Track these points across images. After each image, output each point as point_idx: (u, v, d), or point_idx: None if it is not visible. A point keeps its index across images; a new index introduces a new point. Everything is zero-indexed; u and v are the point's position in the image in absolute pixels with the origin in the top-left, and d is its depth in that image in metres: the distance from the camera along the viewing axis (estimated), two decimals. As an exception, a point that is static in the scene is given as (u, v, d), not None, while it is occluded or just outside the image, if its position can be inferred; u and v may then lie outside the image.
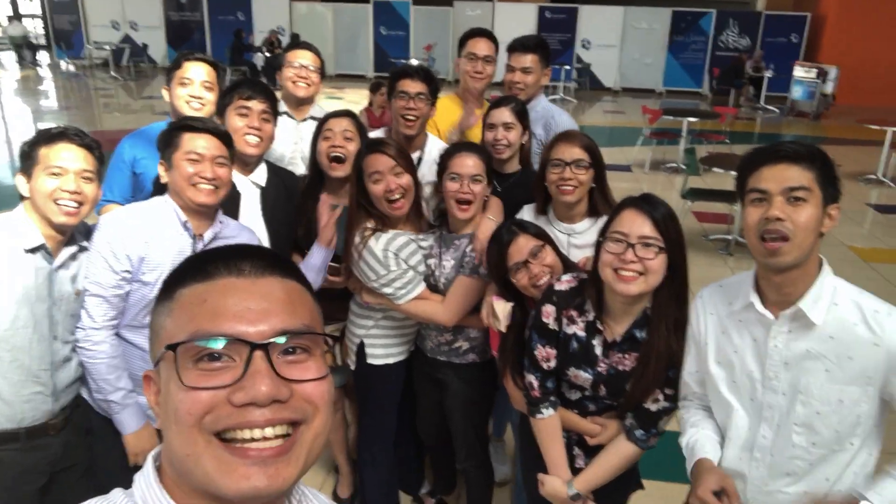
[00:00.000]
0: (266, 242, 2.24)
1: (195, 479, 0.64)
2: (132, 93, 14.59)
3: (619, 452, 1.74)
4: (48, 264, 1.75)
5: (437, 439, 2.53)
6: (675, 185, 7.53)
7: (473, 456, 2.43)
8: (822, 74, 13.11)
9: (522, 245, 1.87)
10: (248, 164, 2.25)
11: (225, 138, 1.86)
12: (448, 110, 2.89)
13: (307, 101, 2.85)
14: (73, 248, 1.80)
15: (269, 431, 0.64)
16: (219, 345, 0.65)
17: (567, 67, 15.47)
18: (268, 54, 15.07)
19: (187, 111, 2.38)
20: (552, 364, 1.76)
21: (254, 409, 0.64)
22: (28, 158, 1.71)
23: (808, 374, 1.39)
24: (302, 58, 2.79)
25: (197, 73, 2.41)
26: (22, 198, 1.74)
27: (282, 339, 0.67)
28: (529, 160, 2.54)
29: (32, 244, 1.70)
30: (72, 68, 17.88)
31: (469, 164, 2.10)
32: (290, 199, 2.36)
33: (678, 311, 1.62)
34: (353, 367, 2.41)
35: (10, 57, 19.55)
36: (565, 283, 1.75)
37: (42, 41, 20.00)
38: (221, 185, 1.83)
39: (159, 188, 1.97)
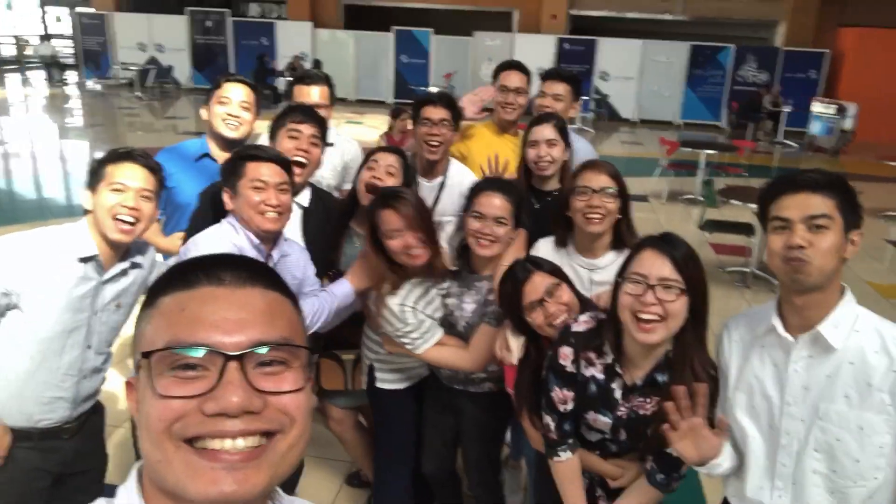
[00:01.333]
0: None
1: (167, 484, 0.64)
2: (156, 113, 14.86)
3: (640, 496, 1.70)
4: (97, 276, 1.82)
5: (442, 475, 2.47)
6: (693, 217, 7.51)
7: (484, 483, 2.41)
8: (842, 110, 13.09)
9: (538, 283, 1.81)
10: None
11: (285, 165, 1.94)
12: (484, 139, 2.95)
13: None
14: (125, 264, 1.88)
15: (240, 443, 0.63)
16: (194, 354, 0.64)
17: (585, 98, 15.57)
18: (290, 79, 15.29)
19: (224, 130, 2.46)
20: (569, 406, 1.71)
21: (225, 420, 0.63)
22: (95, 174, 1.81)
23: (828, 400, 1.39)
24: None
25: (236, 94, 2.49)
26: (86, 212, 1.84)
27: (260, 350, 0.66)
28: (570, 179, 2.56)
29: (86, 254, 1.79)
30: (98, 87, 18.26)
31: (495, 204, 2.04)
32: (329, 222, 2.39)
33: (701, 354, 1.56)
34: (365, 388, 2.41)
35: (39, 75, 20.04)
36: (583, 323, 1.69)
37: (71, 61, 20.46)
38: (285, 211, 1.92)
39: (212, 212, 2.05)
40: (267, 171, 1.88)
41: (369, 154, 2.37)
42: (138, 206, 1.79)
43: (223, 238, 1.90)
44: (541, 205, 2.45)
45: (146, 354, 0.65)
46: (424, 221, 2.02)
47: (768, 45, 17.19)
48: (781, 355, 1.46)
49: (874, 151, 11.12)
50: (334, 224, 2.39)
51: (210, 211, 2.13)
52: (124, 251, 1.89)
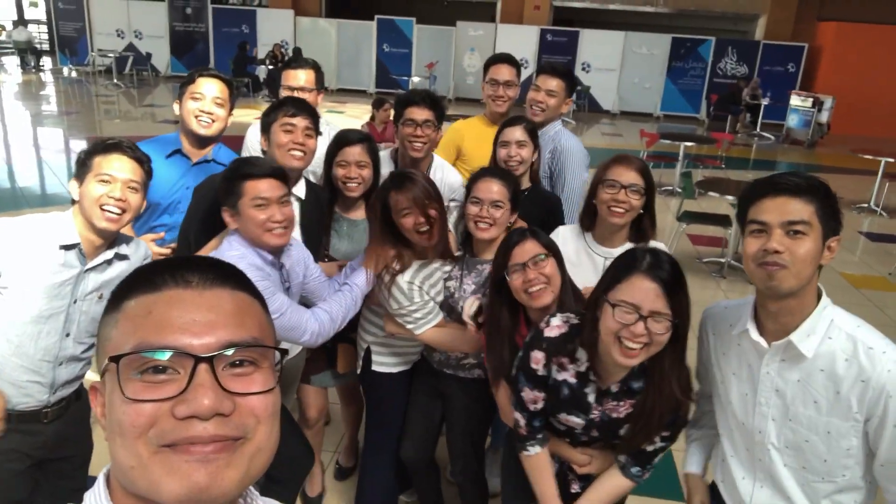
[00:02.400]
0: None
1: (139, 489, 0.64)
2: (134, 100, 14.67)
3: (614, 484, 1.75)
4: (80, 265, 1.83)
5: (421, 462, 2.49)
6: (671, 208, 7.59)
7: (469, 469, 2.44)
8: (818, 104, 13.27)
9: (529, 249, 1.86)
10: (290, 178, 2.26)
11: (283, 177, 1.93)
12: (476, 130, 2.98)
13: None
14: (109, 254, 1.88)
15: (210, 447, 0.64)
16: (163, 357, 0.64)
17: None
18: (271, 67, 15.20)
19: (195, 126, 2.43)
20: (539, 406, 1.73)
21: (196, 423, 0.63)
22: (83, 165, 1.81)
23: (798, 404, 1.41)
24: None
25: (209, 89, 2.43)
26: (73, 202, 1.85)
27: (229, 352, 0.66)
28: (538, 178, 2.62)
29: (67, 242, 1.80)
30: (74, 74, 17.97)
31: (492, 189, 2.12)
32: (321, 212, 2.43)
33: (680, 370, 1.54)
34: (358, 372, 2.45)
35: (13, 62, 19.66)
36: (556, 328, 1.67)
37: (46, 47, 20.10)
38: (290, 224, 1.93)
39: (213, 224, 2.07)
40: (266, 187, 1.87)
41: (335, 149, 2.36)
42: (125, 197, 1.80)
43: (240, 263, 1.87)
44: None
45: (114, 359, 0.64)
46: (434, 201, 2.12)
47: (748, 38, 17.36)
48: (755, 357, 1.48)
49: (849, 144, 11.29)
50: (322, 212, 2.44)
51: (206, 213, 2.14)
52: (111, 242, 1.89)
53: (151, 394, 0.63)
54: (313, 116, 2.29)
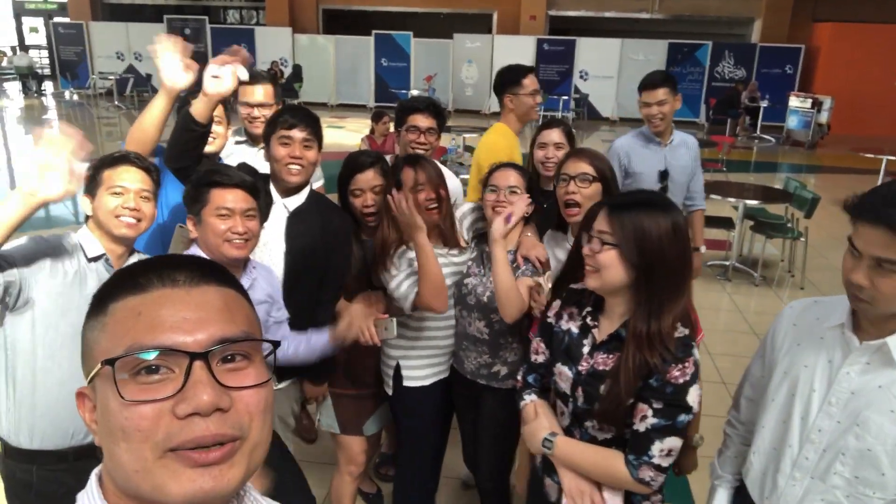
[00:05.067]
0: (280, 265, 2.19)
1: (143, 492, 0.64)
2: (134, 121, 14.75)
3: (607, 455, 1.59)
4: (108, 274, 1.80)
5: (497, 490, 2.45)
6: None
7: (494, 479, 2.41)
8: (817, 104, 13.29)
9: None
10: (288, 189, 2.23)
11: (253, 190, 1.89)
12: (496, 145, 3.03)
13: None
14: (134, 259, 1.90)
15: (213, 455, 0.64)
16: (156, 357, 0.64)
17: (565, 98, 15.69)
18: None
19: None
20: (539, 359, 1.77)
21: (198, 420, 0.63)
22: (92, 180, 1.82)
23: (872, 410, 1.35)
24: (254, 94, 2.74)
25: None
26: (87, 218, 1.86)
27: (221, 349, 0.66)
28: None
29: (94, 253, 1.82)
30: (76, 97, 18.10)
31: (509, 177, 2.19)
32: (323, 229, 2.27)
33: (651, 323, 1.51)
34: (389, 393, 2.38)
35: (15, 87, 19.82)
36: (580, 284, 1.72)
37: (48, 72, 20.27)
38: (252, 237, 1.88)
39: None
40: (232, 198, 1.84)
41: (348, 176, 2.33)
42: (139, 206, 1.82)
43: None
44: (548, 204, 2.48)
45: (108, 362, 0.64)
46: (442, 183, 2.24)
47: (744, 42, 17.41)
48: (839, 354, 1.42)
49: (849, 144, 11.29)
50: (336, 230, 2.31)
51: None
52: (131, 251, 1.91)
53: (149, 395, 0.63)
54: (313, 125, 2.23)
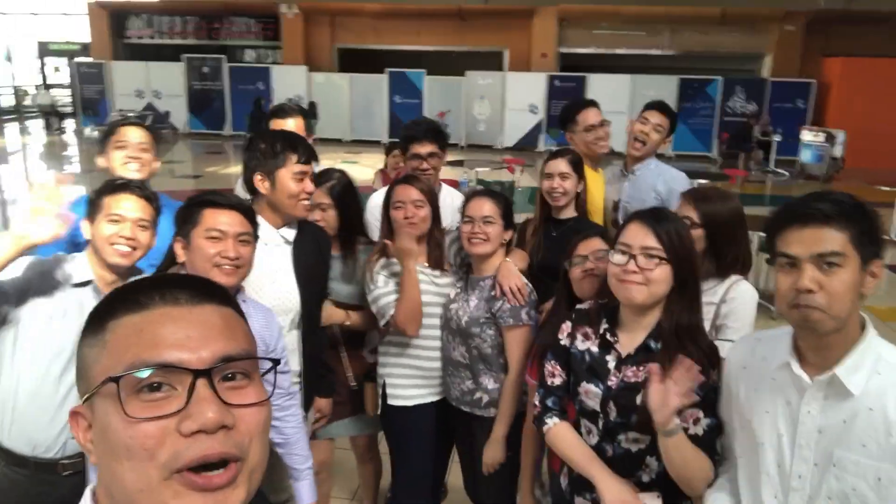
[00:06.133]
0: (297, 299, 2.18)
1: None
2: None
3: (699, 455, 1.53)
4: (97, 300, 1.82)
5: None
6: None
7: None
8: (831, 138, 13.27)
9: (591, 244, 2.00)
10: (286, 220, 2.19)
11: (248, 214, 1.79)
12: (589, 177, 3.02)
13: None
14: None
15: (217, 479, 0.64)
16: (160, 374, 0.64)
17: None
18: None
19: (125, 173, 2.38)
20: (556, 381, 1.77)
21: (204, 438, 0.63)
22: (93, 205, 1.85)
23: (843, 448, 1.26)
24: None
25: (133, 136, 2.46)
26: (87, 242, 1.89)
27: (223, 367, 0.67)
28: (585, 208, 2.72)
29: (81, 279, 1.83)
30: (96, 134, 18.45)
31: (482, 207, 2.22)
32: (321, 254, 2.32)
33: (690, 318, 1.60)
34: (379, 412, 2.44)
35: (38, 125, 20.26)
36: (586, 304, 1.80)
37: (69, 109, 20.73)
38: (244, 264, 1.75)
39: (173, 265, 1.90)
40: (226, 220, 1.71)
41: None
42: (135, 235, 1.83)
43: None
44: (557, 232, 2.59)
45: (113, 379, 0.63)
46: (428, 203, 2.30)
47: (755, 77, 17.50)
48: (794, 394, 1.33)
49: (864, 177, 11.24)
50: (327, 249, 2.38)
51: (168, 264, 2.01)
52: (126, 278, 1.90)
53: (153, 412, 0.63)
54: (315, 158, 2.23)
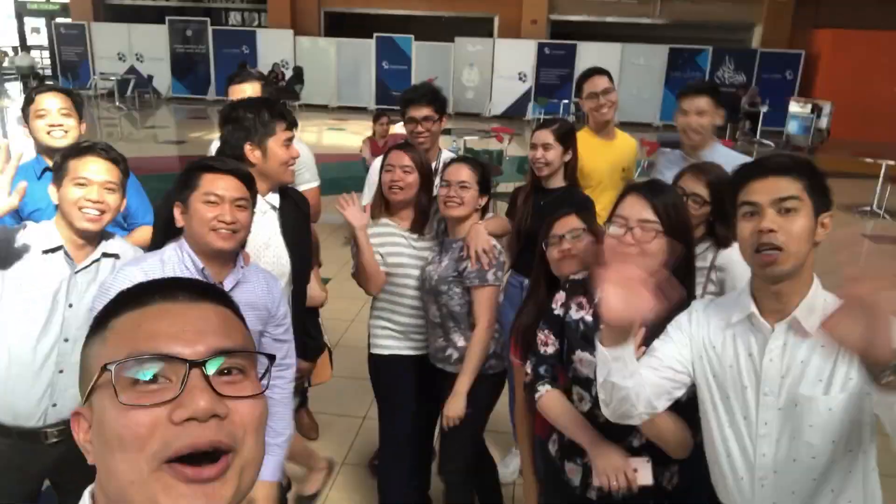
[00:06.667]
0: (287, 263, 2.21)
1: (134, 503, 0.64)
2: (136, 123, 14.79)
3: (678, 419, 1.57)
4: (69, 268, 1.85)
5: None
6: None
7: (455, 467, 2.42)
8: (817, 109, 13.32)
9: (567, 223, 1.97)
10: (271, 187, 2.22)
11: (246, 179, 1.77)
12: (586, 145, 3.01)
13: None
14: (96, 255, 1.89)
15: (207, 472, 0.65)
16: (155, 364, 0.65)
17: (565, 101, 15.73)
18: (273, 87, 15.31)
19: (50, 141, 2.40)
20: (549, 350, 1.80)
21: (195, 426, 0.64)
22: (59, 170, 1.82)
23: (802, 386, 1.38)
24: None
25: (52, 103, 2.43)
26: (56, 207, 1.86)
27: (218, 360, 0.68)
28: (575, 178, 2.72)
29: (49, 246, 1.82)
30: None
31: (459, 172, 2.30)
32: (305, 219, 2.38)
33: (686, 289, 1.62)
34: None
35: (16, 87, 19.85)
36: (581, 274, 1.82)
37: (49, 72, 20.31)
38: (241, 228, 1.74)
39: (169, 231, 1.88)
40: (224, 185, 1.71)
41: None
42: (102, 198, 1.81)
43: (159, 264, 1.74)
44: (545, 201, 2.63)
45: (107, 367, 0.65)
46: (416, 170, 2.38)
47: (745, 47, 17.45)
48: (756, 344, 1.44)
49: (849, 149, 11.32)
50: (307, 214, 2.45)
51: (163, 229, 2.01)
52: (97, 242, 1.90)
53: (147, 400, 0.64)
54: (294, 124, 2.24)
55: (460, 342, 2.33)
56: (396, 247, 2.43)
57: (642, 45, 16.99)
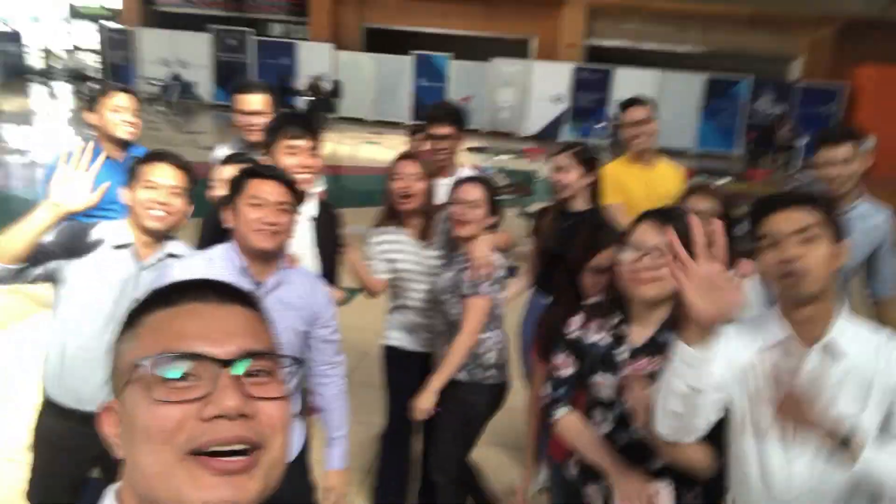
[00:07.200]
0: (319, 270, 2.34)
1: (160, 496, 0.65)
2: (178, 127, 15.12)
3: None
4: (135, 264, 1.99)
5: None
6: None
7: (443, 471, 2.50)
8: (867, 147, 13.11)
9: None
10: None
11: (290, 185, 1.89)
12: (630, 174, 3.14)
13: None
14: (162, 254, 2.02)
15: (235, 447, 0.66)
16: (185, 363, 0.67)
17: (603, 125, 15.74)
18: (312, 98, 15.60)
19: (121, 134, 2.82)
20: (564, 373, 1.82)
21: (223, 423, 0.65)
22: (132, 173, 1.98)
23: (839, 406, 1.41)
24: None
25: (127, 102, 2.84)
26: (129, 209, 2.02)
27: (246, 361, 0.69)
28: (597, 201, 2.75)
29: (120, 242, 1.97)
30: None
31: (470, 192, 2.38)
32: (335, 229, 2.50)
33: None
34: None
35: (65, 88, 20.46)
36: (599, 297, 1.85)
37: (97, 74, 20.91)
38: (282, 230, 1.84)
39: (217, 234, 2.01)
40: (267, 189, 1.83)
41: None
42: (169, 201, 1.96)
43: (209, 261, 1.87)
44: (567, 223, 2.68)
45: (140, 364, 0.67)
46: (423, 179, 2.53)
47: (784, 79, 17.29)
48: (790, 366, 1.46)
49: (891, 186, 11.12)
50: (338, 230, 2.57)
51: (212, 231, 2.17)
52: (162, 241, 2.03)
53: (177, 396, 0.66)
54: (315, 134, 2.33)
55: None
56: (404, 254, 2.60)
57: (680, 72, 16.93)
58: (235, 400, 0.65)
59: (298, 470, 2.05)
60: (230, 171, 2.50)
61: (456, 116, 2.91)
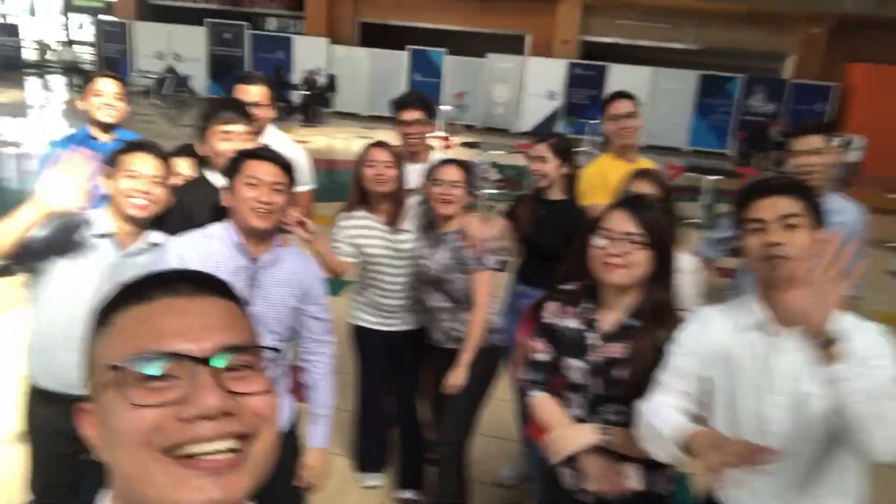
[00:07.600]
0: None
1: (147, 499, 0.63)
2: (172, 120, 15.10)
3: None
4: (117, 253, 2.02)
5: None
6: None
7: (449, 443, 2.59)
8: (846, 143, 13.21)
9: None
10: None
11: (285, 166, 1.95)
12: (613, 169, 3.08)
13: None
14: (143, 243, 2.05)
15: (218, 445, 0.63)
16: (163, 363, 0.64)
17: (595, 121, 15.77)
18: (306, 93, 15.60)
19: (101, 116, 2.93)
20: (539, 357, 1.87)
21: (203, 423, 0.62)
22: (113, 163, 2.02)
23: (811, 385, 1.46)
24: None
25: (109, 87, 2.95)
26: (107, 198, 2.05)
27: (225, 356, 0.66)
28: (573, 192, 2.82)
29: (101, 231, 1.99)
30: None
31: (451, 171, 2.50)
32: None
33: (665, 297, 1.73)
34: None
35: (59, 80, 20.39)
36: (571, 284, 1.88)
37: (92, 67, 20.84)
38: (277, 210, 1.92)
39: (216, 216, 2.06)
40: (263, 170, 1.90)
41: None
42: (150, 190, 2.00)
43: (198, 244, 1.92)
44: (546, 211, 2.77)
45: (114, 367, 0.64)
46: (395, 166, 2.62)
47: (777, 77, 17.37)
48: (765, 348, 1.54)
49: (882, 184, 11.21)
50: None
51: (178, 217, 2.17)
52: (143, 229, 2.06)
53: (154, 398, 0.63)
54: (249, 119, 2.36)
55: (460, 325, 2.55)
56: (373, 239, 2.68)
57: (673, 69, 16.99)
58: (216, 399, 0.63)
59: (289, 444, 2.08)
60: (183, 163, 2.66)
61: (424, 102, 2.99)
